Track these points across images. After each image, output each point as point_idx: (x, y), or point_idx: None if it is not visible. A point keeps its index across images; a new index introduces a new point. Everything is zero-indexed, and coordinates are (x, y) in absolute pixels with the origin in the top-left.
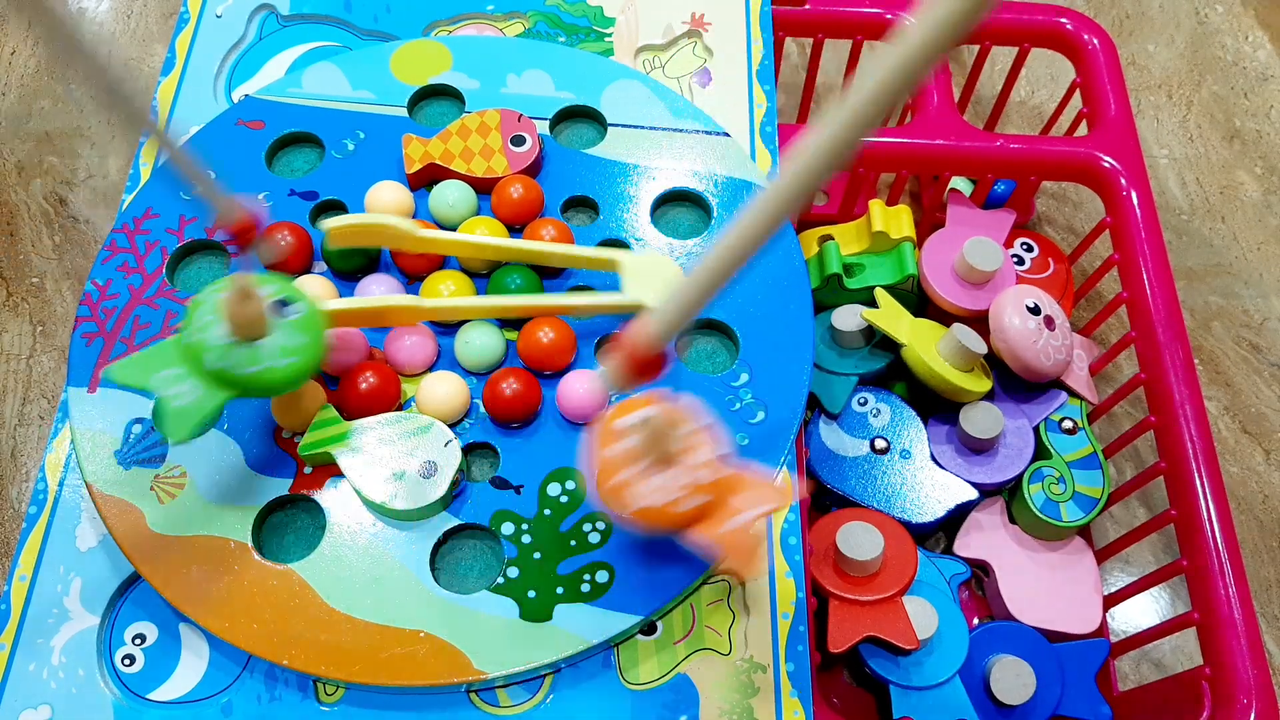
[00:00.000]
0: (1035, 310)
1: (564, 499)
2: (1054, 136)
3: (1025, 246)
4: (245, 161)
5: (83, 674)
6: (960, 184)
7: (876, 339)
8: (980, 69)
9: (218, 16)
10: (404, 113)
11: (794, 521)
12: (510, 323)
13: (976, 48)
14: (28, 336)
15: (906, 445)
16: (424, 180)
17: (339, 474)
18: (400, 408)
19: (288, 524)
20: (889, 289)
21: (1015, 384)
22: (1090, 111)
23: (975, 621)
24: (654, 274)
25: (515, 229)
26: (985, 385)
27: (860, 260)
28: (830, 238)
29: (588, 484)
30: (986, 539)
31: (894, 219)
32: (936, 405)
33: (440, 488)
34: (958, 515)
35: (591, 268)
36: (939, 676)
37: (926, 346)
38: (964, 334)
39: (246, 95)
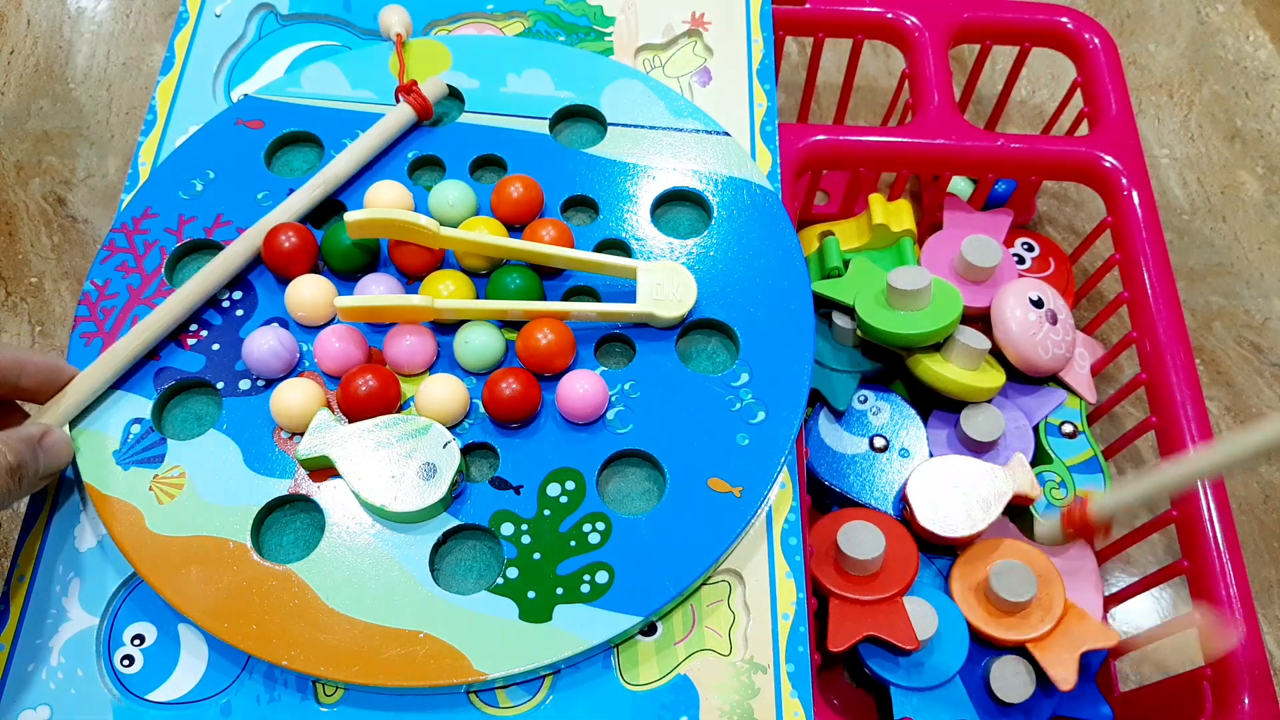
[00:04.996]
0: (1039, 303)
1: (564, 499)
2: (1055, 136)
3: (1026, 246)
4: (245, 161)
5: (82, 674)
6: (960, 184)
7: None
8: (981, 68)
9: (217, 16)
10: None
11: (794, 522)
12: (510, 323)
13: (977, 47)
14: (26, 336)
15: (906, 444)
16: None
17: (338, 475)
18: (399, 409)
19: (287, 524)
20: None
21: (1014, 381)
22: (1091, 111)
23: None
24: (668, 282)
25: (515, 228)
26: (999, 380)
27: (861, 255)
28: (831, 233)
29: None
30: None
31: (894, 213)
32: (936, 404)
33: (440, 489)
34: None
35: (612, 274)
36: (939, 677)
37: (929, 352)
38: (965, 334)
39: (246, 95)
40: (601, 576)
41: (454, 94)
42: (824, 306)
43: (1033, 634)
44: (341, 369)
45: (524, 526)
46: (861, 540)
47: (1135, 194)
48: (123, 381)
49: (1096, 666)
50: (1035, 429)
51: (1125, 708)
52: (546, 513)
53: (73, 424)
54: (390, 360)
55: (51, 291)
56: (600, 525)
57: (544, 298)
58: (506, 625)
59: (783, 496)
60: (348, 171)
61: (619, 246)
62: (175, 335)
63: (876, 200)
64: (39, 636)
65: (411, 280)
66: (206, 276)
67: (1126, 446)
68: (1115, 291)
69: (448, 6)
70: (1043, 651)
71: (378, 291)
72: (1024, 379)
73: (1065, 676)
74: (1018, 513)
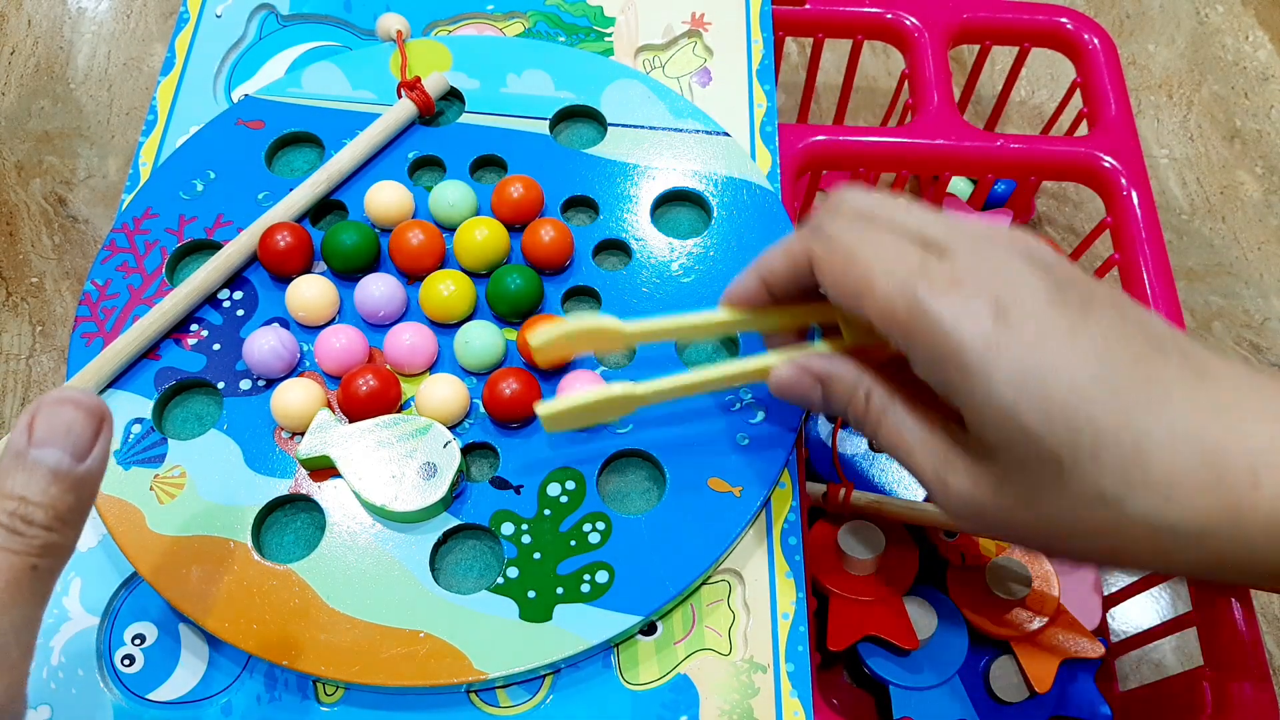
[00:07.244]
0: None
1: (564, 499)
2: (1054, 136)
3: None
4: (245, 161)
5: (82, 674)
6: (960, 184)
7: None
8: (980, 69)
9: (217, 16)
10: None
11: (794, 522)
12: (510, 323)
13: (977, 47)
14: (27, 336)
15: None
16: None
17: (338, 474)
18: (400, 408)
19: (287, 524)
20: None
21: None
22: (1090, 111)
23: None
24: None
25: (515, 228)
26: None
27: None
28: None
29: None
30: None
31: None
32: None
33: (440, 489)
34: None
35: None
36: (939, 676)
37: None
38: None
39: (246, 95)
40: (601, 576)
41: (454, 94)
42: None
43: (1019, 632)
44: (342, 369)
45: (524, 526)
46: (861, 540)
47: (1135, 194)
48: (124, 381)
49: (1096, 666)
50: None
51: (1125, 708)
52: (547, 512)
53: None
54: (391, 360)
55: (52, 291)
56: (600, 525)
57: (544, 298)
58: (507, 625)
59: (783, 496)
60: (350, 166)
61: (619, 246)
62: (174, 334)
63: None
64: (39, 636)
65: (412, 280)
66: (201, 278)
67: None
68: None
69: (448, 7)
70: (1026, 652)
71: (378, 291)
72: None
73: (1043, 679)
74: None
